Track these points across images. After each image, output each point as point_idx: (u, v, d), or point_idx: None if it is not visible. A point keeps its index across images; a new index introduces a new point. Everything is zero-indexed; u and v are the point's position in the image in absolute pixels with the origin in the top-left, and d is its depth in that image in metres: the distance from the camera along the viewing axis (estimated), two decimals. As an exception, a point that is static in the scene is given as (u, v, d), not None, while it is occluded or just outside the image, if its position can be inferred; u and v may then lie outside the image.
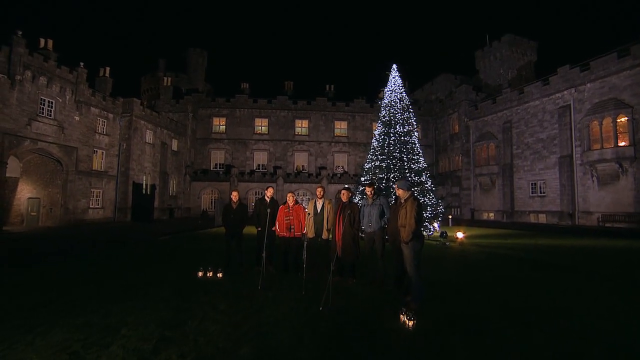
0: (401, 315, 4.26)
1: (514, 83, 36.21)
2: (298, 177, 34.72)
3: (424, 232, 14.10)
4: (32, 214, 21.41)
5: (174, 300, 5.01)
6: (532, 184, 26.54)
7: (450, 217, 22.90)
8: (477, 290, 5.98)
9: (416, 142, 14.75)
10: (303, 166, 36.72)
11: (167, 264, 8.24)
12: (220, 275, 6.60)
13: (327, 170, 35.60)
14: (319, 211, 6.94)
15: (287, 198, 7.22)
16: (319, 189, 7.12)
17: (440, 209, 14.83)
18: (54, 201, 21.53)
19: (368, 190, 6.45)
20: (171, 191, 30.97)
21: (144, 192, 26.32)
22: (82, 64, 22.08)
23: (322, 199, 7.01)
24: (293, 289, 5.68)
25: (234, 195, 7.70)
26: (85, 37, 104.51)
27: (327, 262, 6.49)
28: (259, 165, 36.31)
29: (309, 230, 6.88)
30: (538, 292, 5.85)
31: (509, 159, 28.32)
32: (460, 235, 13.62)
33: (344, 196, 6.65)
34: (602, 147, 21.35)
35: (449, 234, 14.66)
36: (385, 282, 5.99)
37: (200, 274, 6.69)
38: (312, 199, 7.15)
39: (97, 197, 23.65)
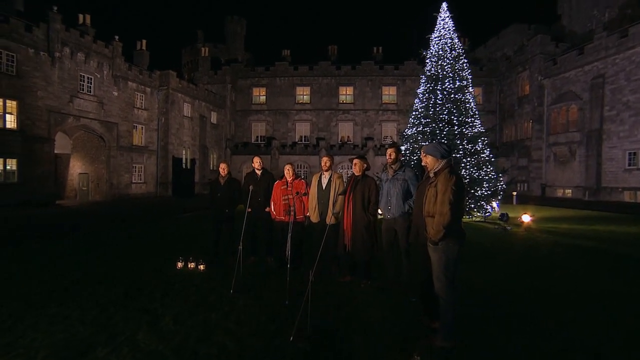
0: (415, 362, 2.56)
1: (612, 26, 28.64)
2: (342, 148, 32.74)
3: (479, 214, 11.47)
4: (83, 188, 22.61)
5: (115, 305, 3.97)
6: (630, 154, 21.33)
7: (514, 194, 19.46)
8: (554, 313, 3.74)
9: (471, 100, 11.77)
10: (348, 137, 34.67)
11: (158, 248, 7.17)
12: (202, 268, 5.41)
13: (374, 141, 33.04)
14: (324, 188, 5.20)
15: (285, 171, 5.55)
16: (325, 159, 5.30)
17: (501, 184, 11.93)
18: (100, 176, 22.43)
19: (389, 153, 4.52)
20: (212, 165, 31.07)
21: (183, 166, 26.54)
22: (116, 37, 21.96)
23: (329, 171, 5.26)
24: (279, 294, 4.23)
25: (222, 168, 6.19)
26: (122, 11, 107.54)
27: (333, 256, 5.08)
28: (301, 136, 34.93)
29: (312, 213, 5.25)
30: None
31: (597, 124, 23.09)
32: (526, 218, 10.78)
33: (356, 168, 4.79)
34: None
35: (511, 215, 11.83)
36: (409, 291, 4.19)
37: (179, 264, 5.54)
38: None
39: (139, 172, 24.26)
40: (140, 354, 2.90)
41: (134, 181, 23.81)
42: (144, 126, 24.49)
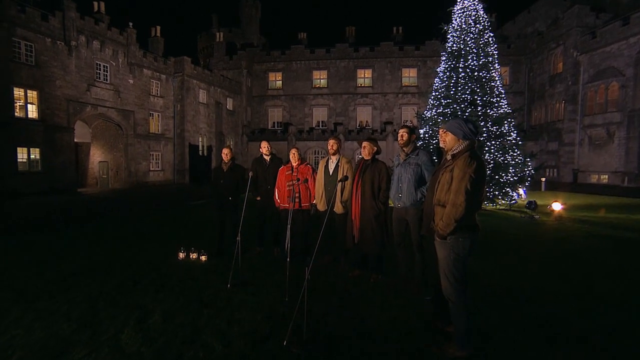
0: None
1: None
2: (361, 134, 31.89)
3: (504, 201, 10.68)
4: (103, 176, 23.11)
5: (106, 299, 3.78)
6: (676, 134, 19.46)
7: (543, 180, 18.26)
8: (588, 317, 3.17)
9: (497, 78, 10.78)
10: (367, 122, 33.80)
11: (163, 237, 6.98)
12: (204, 259, 5.19)
13: (394, 126, 31.96)
14: (331, 173, 4.82)
15: (290, 155, 5.20)
16: (331, 142, 4.88)
17: (529, 170, 11.02)
18: (118, 164, 22.82)
19: (401, 134, 4.02)
20: (229, 152, 31.09)
21: (200, 153, 26.60)
22: (130, 24, 21.87)
23: (337, 155, 4.87)
24: (279, 289, 3.95)
25: (225, 154, 5.81)
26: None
27: (341, 248, 4.73)
28: (318, 122, 34.29)
29: (319, 201, 4.88)
30: None
31: (640, 102, 21.14)
32: (557, 206, 9.92)
33: (365, 151, 4.35)
34: None
35: (539, 203, 10.96)
36: (422, 289, 3.84)
37: (181, 255, 5.35)
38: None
39: (156, 159, 24.50)
40: (120, 355, 2.68)
41: (151, 169, 24.09)
42: (160, 114, 24.58)
